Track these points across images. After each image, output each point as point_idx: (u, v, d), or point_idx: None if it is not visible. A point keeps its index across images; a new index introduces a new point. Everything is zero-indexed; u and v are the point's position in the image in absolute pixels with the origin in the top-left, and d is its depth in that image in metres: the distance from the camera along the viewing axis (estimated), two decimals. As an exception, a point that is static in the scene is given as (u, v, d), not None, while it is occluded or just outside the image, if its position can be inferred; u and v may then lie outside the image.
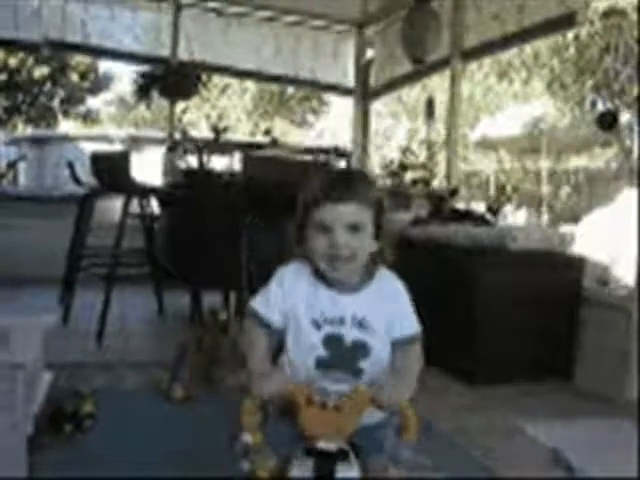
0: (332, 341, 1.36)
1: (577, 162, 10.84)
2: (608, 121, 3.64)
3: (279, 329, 1.41)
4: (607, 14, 3.49)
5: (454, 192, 4.61)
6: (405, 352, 1.41)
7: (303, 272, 1.42)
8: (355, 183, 1.38)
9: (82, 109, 16.24)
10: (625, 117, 10.15)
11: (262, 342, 1.40)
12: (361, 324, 1.38)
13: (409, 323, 1.43)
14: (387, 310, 1.41)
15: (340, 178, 1.42)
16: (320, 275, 1.40)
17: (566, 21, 3.84)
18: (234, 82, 15.15)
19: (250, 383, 1.27)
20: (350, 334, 1.37)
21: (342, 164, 5.40)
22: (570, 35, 10.47)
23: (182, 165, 4.66)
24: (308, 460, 1.20)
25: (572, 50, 11.37)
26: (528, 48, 11.05)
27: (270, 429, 1.28)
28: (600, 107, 10.87)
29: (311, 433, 1.21)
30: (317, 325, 1.37)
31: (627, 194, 5.07)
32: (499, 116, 9.84)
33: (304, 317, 1.38)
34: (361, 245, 1.36)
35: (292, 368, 1.40)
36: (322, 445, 1.20)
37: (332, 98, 13.65)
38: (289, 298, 1.40)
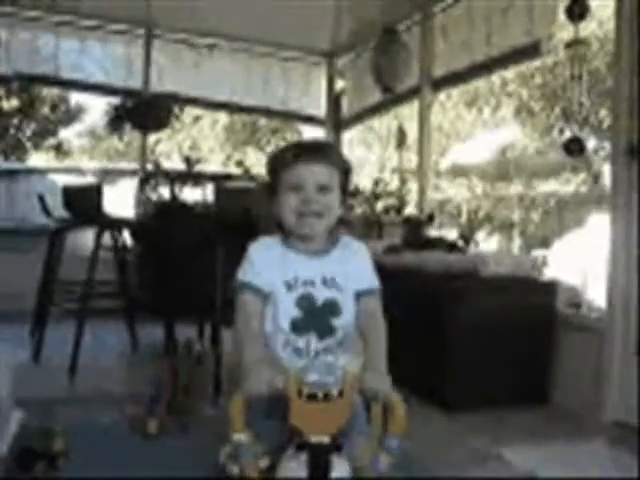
0: (304, 301, 1.42)
1: (547, 187, 10.99)
2: (575, 147, 3.69)
3: (268, 296, 1.44)
4: (570, 44, 3.57)
5: (431, 218, 4.63)
6: (368, 306, 1.46)
7: (274, 242, 1.48)
8: (324, 147, 1.50)
9: (53, 141, 16.10)
10: (592, 143, 10.34)
11: (256, 323, 1.41)
12: (330, 284, 1.44)
13: (371, 276, 1.50)
14: (352, 267, 1.47)
15: (310, 143, 1.56)
16: (289, 243, 1.46)
17: (531, 51, 3.93)
18: (206, 113, 15.17)
19: (242, 379, 1.27)
20: (321, 294, 1.43)
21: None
22: (536, 64, 10.70)
23: (154, 197, 4.63)
24: (301, 455, 1.18)
25: (538, 79, 11.62)
26: (496, 77, 11.25)
27: (256, 427, 1.25)
28: (568, 134, 11.06)
29: (303, 426, 1.19)
30: (290, 287, 1.42)
31: (596, 218, 5.15)
32: (469, 143, 9.95)
33: (278, 282, 1.43)
34: (330, 204, 1.44)
35: (270, 334, 1.43)
36: (315, 438, 1.19)
37: (304, 128, 13.73)
38: (267, 266, 1.44)
